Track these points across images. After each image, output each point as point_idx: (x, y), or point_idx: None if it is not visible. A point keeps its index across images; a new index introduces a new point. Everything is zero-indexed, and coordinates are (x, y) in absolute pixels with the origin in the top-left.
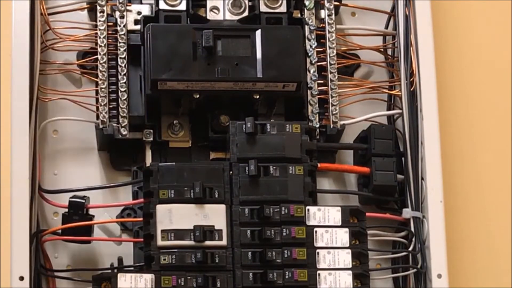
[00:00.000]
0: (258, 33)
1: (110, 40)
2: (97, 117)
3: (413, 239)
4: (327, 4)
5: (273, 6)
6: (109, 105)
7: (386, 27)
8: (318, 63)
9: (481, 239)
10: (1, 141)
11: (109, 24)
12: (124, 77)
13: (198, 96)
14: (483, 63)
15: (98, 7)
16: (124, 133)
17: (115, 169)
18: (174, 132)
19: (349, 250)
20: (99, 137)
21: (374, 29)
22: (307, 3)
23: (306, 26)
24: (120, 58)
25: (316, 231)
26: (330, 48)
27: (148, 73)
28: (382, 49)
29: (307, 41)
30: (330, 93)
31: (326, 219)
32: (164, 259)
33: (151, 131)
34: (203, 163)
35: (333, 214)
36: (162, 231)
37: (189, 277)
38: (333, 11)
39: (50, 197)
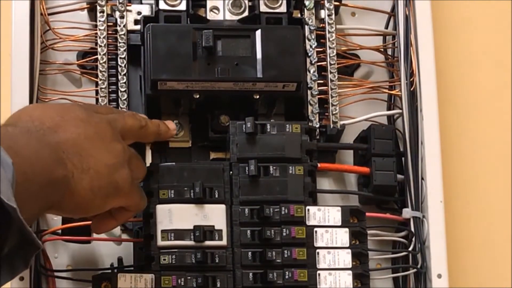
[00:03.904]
0: (258, 33)
1: (110, 40)
2: None
3: (413, 239)
4: (327, 4)
5: (273, 6)
6: (109, 105)
7: (386, 27)
8: (318, 63)
9: (481, 239)
10: None
11: (109, 24)
12: (124, 77)
13: (198, 96)
14: (483, 63)
15: (98, 7)
16: None
17: None
18: None
19: (349, 250)
20: None
21: (374, 29)
22: (307, 3)
23: (306, 26)
24: (120, 58)
25: (316, 231)
26: (330, 48)
27: (148, 73)
28: (382, 49)
29: (307, 41)
30: (330, 93)
31: (326, 219)
32: (164, 259)
33: None
34: (203, 163)
35: (333, 214)
36: (162, 231)
37: (189, 277)
38: (333, 11)
39: None
